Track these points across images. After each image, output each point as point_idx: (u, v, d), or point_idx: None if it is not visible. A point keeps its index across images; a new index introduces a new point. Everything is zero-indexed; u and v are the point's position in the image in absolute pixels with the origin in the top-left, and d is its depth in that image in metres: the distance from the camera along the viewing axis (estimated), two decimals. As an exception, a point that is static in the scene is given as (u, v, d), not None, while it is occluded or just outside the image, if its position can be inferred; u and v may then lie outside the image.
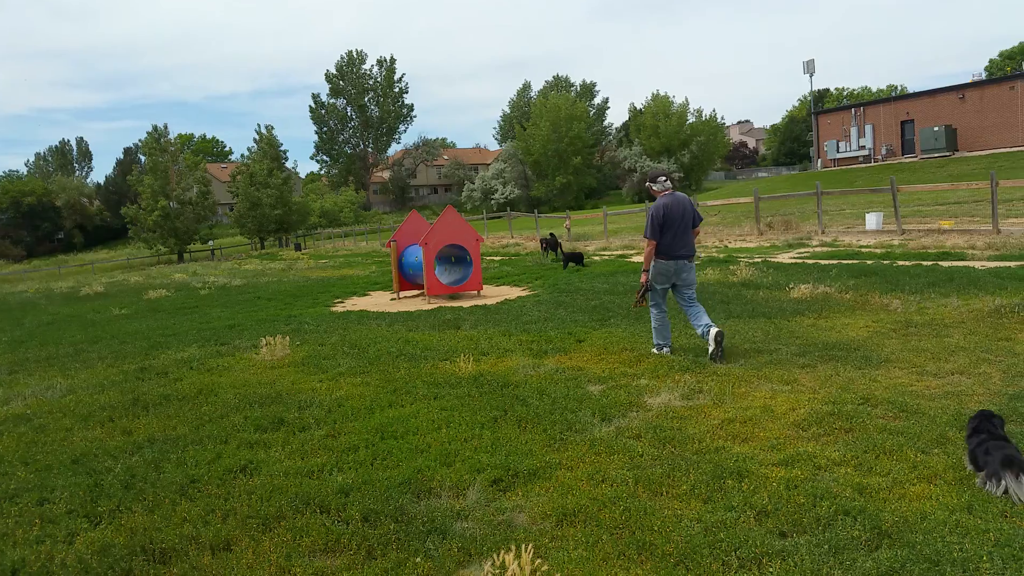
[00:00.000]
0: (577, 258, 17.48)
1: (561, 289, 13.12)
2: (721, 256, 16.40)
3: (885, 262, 12.74)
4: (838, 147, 48.37)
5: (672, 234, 6.90)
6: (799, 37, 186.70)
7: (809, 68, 65.64)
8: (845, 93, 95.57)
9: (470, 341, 8.42)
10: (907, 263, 12.27)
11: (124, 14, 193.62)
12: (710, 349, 6.60)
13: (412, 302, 14.13)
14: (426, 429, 5.05)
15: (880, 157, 45.63)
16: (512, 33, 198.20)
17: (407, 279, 15.35)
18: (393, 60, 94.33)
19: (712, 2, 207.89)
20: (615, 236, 27.67)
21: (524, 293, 13.55)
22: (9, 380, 8.59)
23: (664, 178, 7.05)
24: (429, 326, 9.95)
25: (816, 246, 17.33)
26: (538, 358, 7.22)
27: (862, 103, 52.40)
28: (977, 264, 11.55)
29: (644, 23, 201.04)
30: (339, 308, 13.77)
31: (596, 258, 19.33)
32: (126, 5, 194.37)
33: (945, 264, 11.74)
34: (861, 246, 16.13)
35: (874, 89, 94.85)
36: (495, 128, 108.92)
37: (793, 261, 14.22)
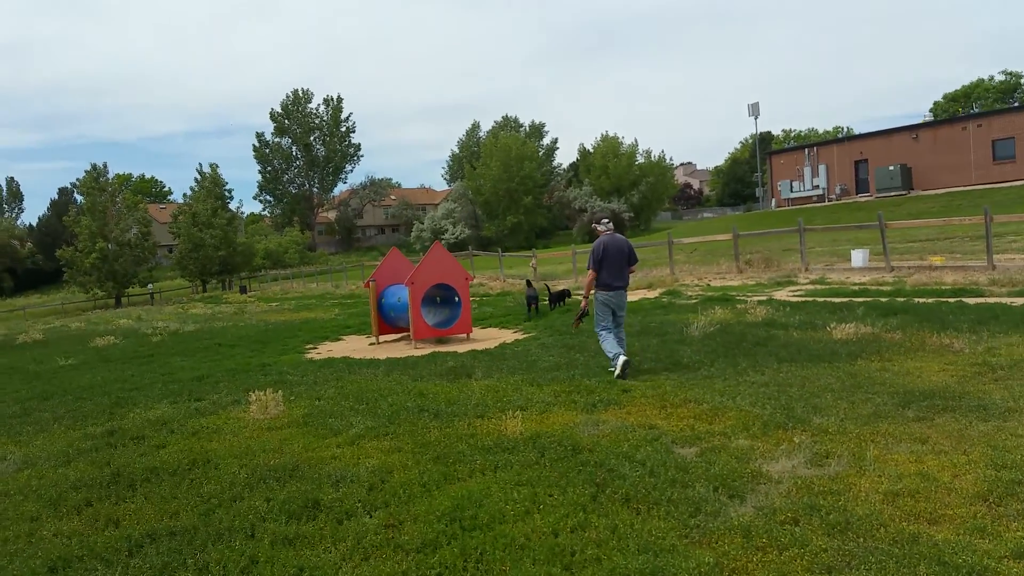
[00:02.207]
0: (564, 296, 16.71)
1: (560, 331, 12.18)
2: (716, 295, 15.69)
3: (900, 299, 12.16)
4: (792, 187, 48.90)
5: (609, 269, 7.95)
6: (736, 82, 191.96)
7: (754, 111, 66.93)
8: (792, 134, 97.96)
9: (495, 393, 7.39)
10: (928, 300, 11.70)
11: (55, 54, 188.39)
12: (615, 372, 7.60)
13: (397, 347, 13.02)
14: (512, 515, 4.00)
15: (834, 196, 46.22)
16: (454, 75, 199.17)
17: (387, 322, 14.22)
18: (340, 99, 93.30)
19: (651, 47, 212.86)
20: (584, 275, 26.92)
21: (520, 336, 12.57)
22: (-53, 448, 7.21)
23: (608, 220, 8.17)
24: (435, 375, 8.89)
25: (807, 284, 16.79)
26: (590, 413, 6.23)
27: (815, 143, 53.29)
28: (1005, 300, 11.03)
29: (585, 66, 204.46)
30: (315, 355, 12.56)
31: (578, 298, 18.47)
32: (56, 45, 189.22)
33: (971, 301, 11.18)
34: (856, 284, 15.62)
35: (820, 130, 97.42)
36: (443, 168, 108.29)
37: (799, 299, 13.57)
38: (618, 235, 8.15)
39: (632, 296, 17.73)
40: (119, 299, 57.27)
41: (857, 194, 45.61)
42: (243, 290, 51.38)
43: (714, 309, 12.27)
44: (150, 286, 59.71)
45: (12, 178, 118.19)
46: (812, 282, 16.98)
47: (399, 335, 14.41)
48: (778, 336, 9.34)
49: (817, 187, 47.55)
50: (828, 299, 13.12)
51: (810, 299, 13.41)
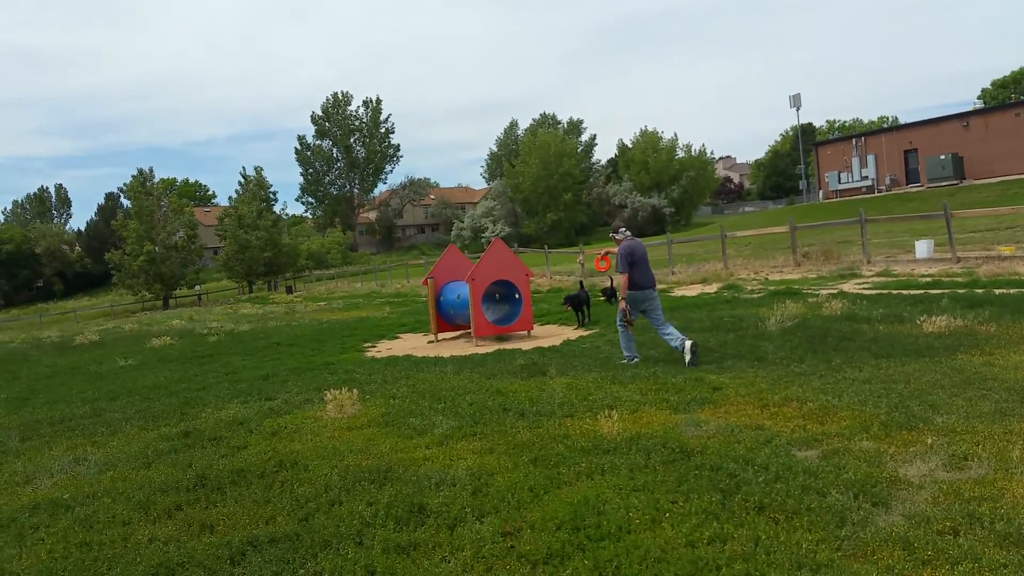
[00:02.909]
0: (613, 293, 16.39)
1: (625, 328, 11.85)
2: (779, 288, 15.24)
3: (979, 290, 11.64)
4: (840, 178, 47.82)
5: (639, 269, 8.57)
6: (775, 73, 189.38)
7: (796, 102, 65.88)
8: (836, 125, 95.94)
9: (577, 391, 7.14)
10: (1010, 291, 11.18)
11: (97, 63, 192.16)
12: (687, 358, 8.03)
13: (457, 345, 12.84)
14: (638, 524, 3.74)
15: (884, 187, 45.08)
16: (491, 74, 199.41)
17: (445, 319, 14.04)
18: (379, 101, 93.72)
19: (688, 40, 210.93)
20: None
21: (584, 333, 12.29)
22: (25, 449, 7.19)
23: (624, 228, 8.86)
24: (508, 373, 8.66)
25: (872, 276, 16.25)
26: (686, 412, 5.94)
27: (863, 133, 52.06)
28: (1099, 291, 10.48)
29: (623, 61, 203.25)
30: (375, 353, 12.46)
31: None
32: (99, 54, 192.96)
33: (1061, 292, 10.65)
34: (925, 275, 15.06)
35: (865, 120, 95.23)
36: (482, 166, 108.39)
37: (871, 292, 13.09)
38: (637, 239, 8.89)
39: (688, 291, 17.36)
40: (167, 300, 58.16)
41: (907, 184, 44.43)
42: (289, 290, 51.79)
43: (784, 303, 11.85)
44: (198, 287, 60.54)
45: (60, 185, 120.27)
46: (877, 274, 16.43)
47: (457, 332, 14.23)
48: (864, 330, 8.94)
49: (866, 178, 46.43)
50: (902, 291, 12.63)
51: (883, 292, 12.92)
